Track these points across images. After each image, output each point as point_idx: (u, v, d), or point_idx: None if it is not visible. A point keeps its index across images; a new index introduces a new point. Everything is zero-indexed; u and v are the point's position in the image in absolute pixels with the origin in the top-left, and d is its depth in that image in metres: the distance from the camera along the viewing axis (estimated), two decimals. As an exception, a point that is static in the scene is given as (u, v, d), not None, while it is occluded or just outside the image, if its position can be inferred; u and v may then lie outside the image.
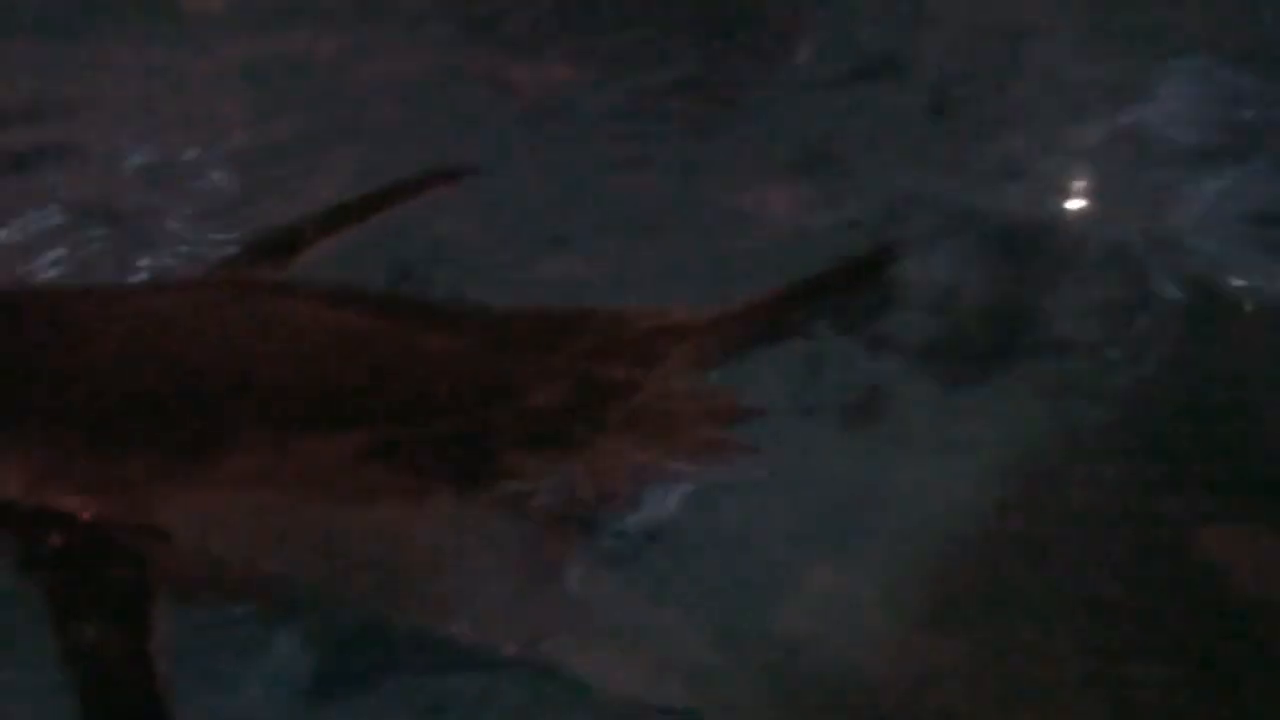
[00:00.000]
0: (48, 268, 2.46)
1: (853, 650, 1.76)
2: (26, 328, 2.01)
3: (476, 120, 2.94)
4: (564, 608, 1.82)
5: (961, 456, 2.02)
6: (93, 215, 2.59)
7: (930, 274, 2.34)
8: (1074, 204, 2.64)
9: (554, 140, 2.87)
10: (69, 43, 3.17)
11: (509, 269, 2.44)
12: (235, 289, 2.23)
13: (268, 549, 1.84)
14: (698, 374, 2.10)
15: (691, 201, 2.63)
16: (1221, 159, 2.64)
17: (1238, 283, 2.33)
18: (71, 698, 1.63)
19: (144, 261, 2.48)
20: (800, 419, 2.09)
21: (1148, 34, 3.01)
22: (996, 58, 2.98)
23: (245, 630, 1.80)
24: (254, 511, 1.85)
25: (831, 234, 2.48)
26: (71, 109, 2.98)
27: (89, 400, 1.90)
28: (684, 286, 2.30)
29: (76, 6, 3.25)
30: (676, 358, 2.09)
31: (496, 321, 2.16)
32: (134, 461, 1.86)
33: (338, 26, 3.24)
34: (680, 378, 2.07)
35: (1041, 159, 2.69)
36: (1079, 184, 2.68)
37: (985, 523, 1.94)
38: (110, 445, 1.87)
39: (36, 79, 3.05)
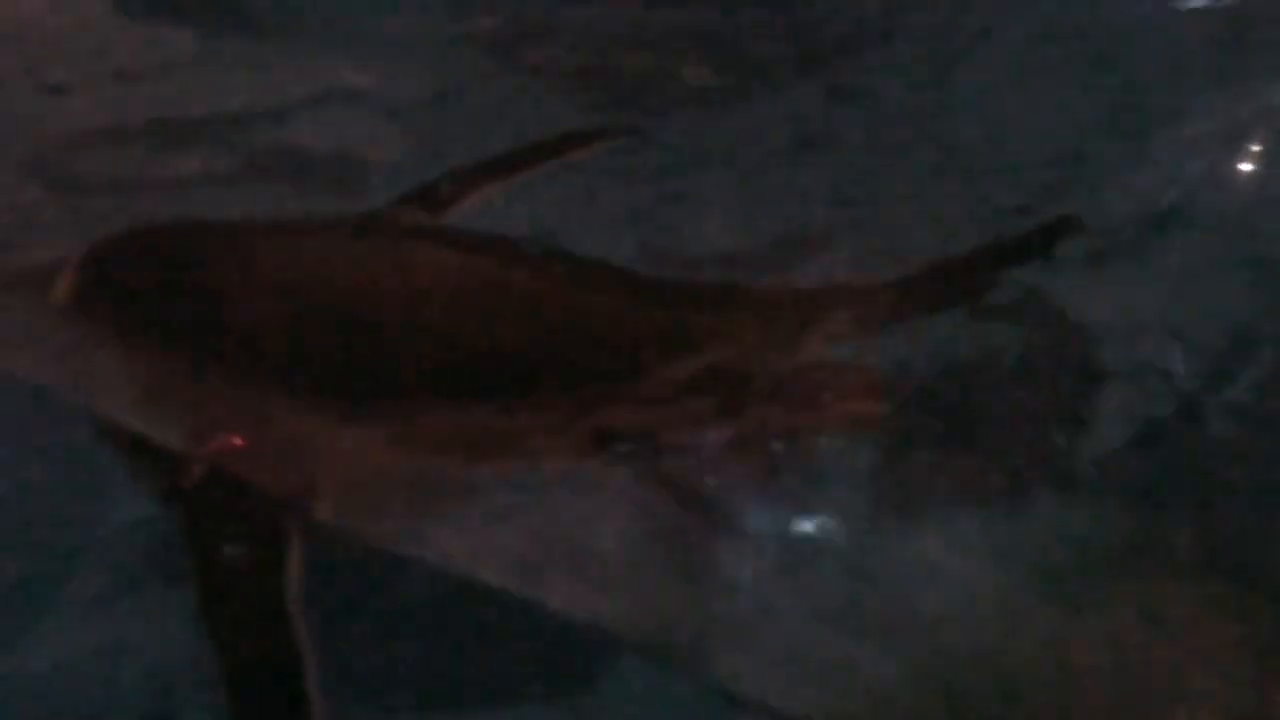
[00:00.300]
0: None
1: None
2: (176, 264, 2.04)
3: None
4: (692, 590, 1.75)
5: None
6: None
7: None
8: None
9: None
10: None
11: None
12: (390, 235, 2.23)
13: (400, 498, 1.84)
14: (852, 344, 2.04)
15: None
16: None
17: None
18: (205, 625, 1.65)
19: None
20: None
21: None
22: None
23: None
24: (393, 459, 1.85)
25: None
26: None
27: (239, 338, 1.92)
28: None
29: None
30: (831, 326, 2.04)
31: (648, 286, 2.12)
32: (279, 401, 1.88)
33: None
34: (832, 349, 2.02)
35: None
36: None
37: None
38: (256, 384, 1.89)
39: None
